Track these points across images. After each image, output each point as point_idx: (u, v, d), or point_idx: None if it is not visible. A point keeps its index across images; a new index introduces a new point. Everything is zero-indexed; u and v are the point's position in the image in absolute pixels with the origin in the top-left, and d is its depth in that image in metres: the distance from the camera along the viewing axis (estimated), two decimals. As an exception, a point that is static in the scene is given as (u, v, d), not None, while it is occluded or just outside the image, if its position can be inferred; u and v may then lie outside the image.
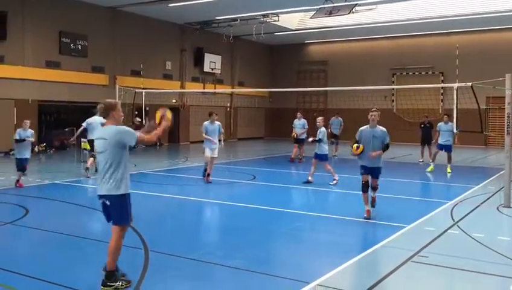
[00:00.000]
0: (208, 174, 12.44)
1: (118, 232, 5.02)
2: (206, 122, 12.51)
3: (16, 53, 19.54)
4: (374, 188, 8.52)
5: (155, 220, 8.56)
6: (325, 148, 12.28)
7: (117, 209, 5.00)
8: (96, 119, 14.16)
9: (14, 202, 9.69)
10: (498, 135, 26.01)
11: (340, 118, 20.94)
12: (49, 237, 7.10)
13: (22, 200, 9.91)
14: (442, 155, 15.31)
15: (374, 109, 8.32)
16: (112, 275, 4.90)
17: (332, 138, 20.54)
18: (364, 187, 8.37)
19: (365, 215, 8.23)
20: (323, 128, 12.32)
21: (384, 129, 8.27)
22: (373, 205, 8.47)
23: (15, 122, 19.67)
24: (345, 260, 5.88)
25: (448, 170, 14.87)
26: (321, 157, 12.28)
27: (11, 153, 19.29)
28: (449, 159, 15.04)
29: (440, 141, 15.13)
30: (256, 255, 6.34)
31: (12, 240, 6.97)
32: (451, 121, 14.49)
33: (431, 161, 16.34)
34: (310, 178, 12.32)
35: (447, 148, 14.98)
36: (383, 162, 8.43)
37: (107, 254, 4.99)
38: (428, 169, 15.44)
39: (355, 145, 8.28)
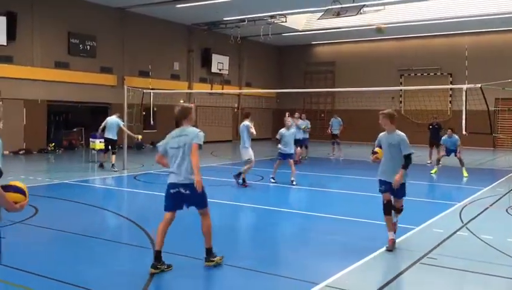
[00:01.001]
0: (244, 179, 12.01)
1: (206, 213, 5.90)
2: (247, 123, 12.13)
3: (25, 53, 19.69)
4: (398, 210, 6.90)
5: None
6: (282, 148, 12.54)
7: (199, 194, 5.70)
8: (113, 119, 15.04)
9: (24, 201, 9.75)
10: (507, 137, 25.88)
11: (339, 118, 20.92)
12: (58, 236, 7.15)
13: (32, 199, 9.95)
14: (448, 157, 15.28)
15: (382, 112, 6.76)
16: (211, 251, 5.81)
17: (333, 138, 20.53)
18: (387, 208, 6.66)
19: (387, 245, 6.46)
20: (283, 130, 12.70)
21: (402, 135, 6.59)
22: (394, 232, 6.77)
23: (24, 123, 19.85)
24: (354, 261, 5.88)
25: (465, 173, 14.47)
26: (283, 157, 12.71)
27: (21, 152, 19.46)
28: (461, 162, 14.79)
29: (447, 146, 15.15)
30: (264, 256, 6.35)
31: (22, 239, 7.02)
32: (455, 133, 14.62)
33: (430, 162, 16.71)
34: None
35: (455, 153, 14.88)
36: (407, 176, 6.69)
37: (203, 235, 5.84)
38: (432, 171, 15.34)
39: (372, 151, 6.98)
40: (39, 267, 5.51)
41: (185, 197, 5.73)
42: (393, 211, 6.76)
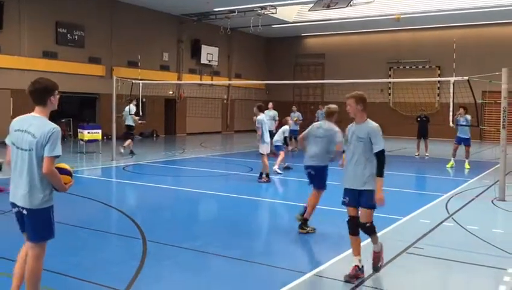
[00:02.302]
0: (268, 174, 11.55)
1: (318, 193, 7.10)
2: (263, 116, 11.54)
3: (12, 43, 19.46)
4: (367, 230, 5.17)
5: (153, 211, 8.61)
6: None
7: (321, 176, 7.05)
8: (129, 107, 16.43)
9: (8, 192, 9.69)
10: (494, 129, 26.18)
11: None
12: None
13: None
14: (438, 148, 15.42)
15: (348, 95, 5.20)
16: (306, 221, 6.86)
17: None
18: (352, 226, 5.19)
19: (348, 274, 5.01)
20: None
21: (374, 125, 5.07)
22: (374, 268, 5.25)
23: (11, 113, 19.64)
24: (341, 251, 5.95)
25: (467, 165, 14.29)
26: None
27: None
28: (467, 153, 14.51)
29: (459, 134, 14.44)
30: (254, 246, 6.42)
31: (13, 229, 7.00)
32: (468, 114, 14.01)
33: (417, 154, 16.72)
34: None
35: (466, 142, 14.47)
36: (374, 179, 4.98)
37: (308, 206, 6.94)
38: (448, 165, 14.68)
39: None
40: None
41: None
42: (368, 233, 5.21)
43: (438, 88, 26.89)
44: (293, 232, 7.11)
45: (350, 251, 6.01)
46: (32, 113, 3.97)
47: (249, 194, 9.95)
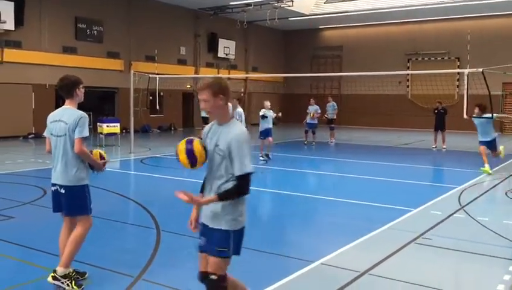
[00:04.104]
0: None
1: None
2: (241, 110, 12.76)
3: (33, 38, 19.90)
4: (209, 282, 3.45)
5: (168, 202, 8.81)
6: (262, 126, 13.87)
7: None
8: None
9: (33, 183, 10.03)
10: (514, 121, 25.78)
11: (333, 102, 20.56)
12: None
13: (41, 181, 10.24)
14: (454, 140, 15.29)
15: (200, 85, 3.60)
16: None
17: (328, 123, 20.23)
18: (201, 279, 3.58)
19: None
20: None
21: (237, 132, 3.36)
22: None
23: (33, 107, 20.14)
24: (349, 241, 6.06)
25: (501, 150, 12.23)
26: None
27: (30, 136, 19.78)
28: (495, 154, 12.20)
29: (482, 137, 11.99)
30: (263, 236, 6.55)
31: (32, 219, 7.28)
32: (488, 112, 11.59)
33: (435, 146, 16.46)
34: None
35: (490, 145, 11.99)
36: (232, 211, 3.48)
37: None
38: (485, 170, 11.78)
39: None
40: (48, 245, 5.74)
41: None
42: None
43: (457, 80, 26.59)
44: (300, 222, 7.23)
45: (357, 241, 6.15)
46: (63, 106, 4.69)
47: (261, 186, 10.09)
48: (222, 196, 3.36)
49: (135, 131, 16.06)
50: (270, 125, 14.07)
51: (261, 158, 13.54)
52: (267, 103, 14.26)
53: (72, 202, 4.53)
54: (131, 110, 15.75)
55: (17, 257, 5.46)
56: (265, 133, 13.92)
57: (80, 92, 4.72)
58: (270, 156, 13.90)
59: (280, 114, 14.29)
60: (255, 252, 5.77)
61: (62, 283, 4.40)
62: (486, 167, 11.69)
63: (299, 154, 16.26)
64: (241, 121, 11.58)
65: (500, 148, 12.18)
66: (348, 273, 4.97)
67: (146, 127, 23.51)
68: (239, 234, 3.48)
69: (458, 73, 25.61)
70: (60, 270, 4.45)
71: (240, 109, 11.64)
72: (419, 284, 4.75)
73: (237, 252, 3.49)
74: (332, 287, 4.60)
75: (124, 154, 14.93)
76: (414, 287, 4.71)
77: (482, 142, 11.94)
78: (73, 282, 4.44)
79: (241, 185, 3.38)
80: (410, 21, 28.84)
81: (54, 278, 4.44)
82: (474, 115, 11.70)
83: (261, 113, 14.04)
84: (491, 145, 11.92)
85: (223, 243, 3.39)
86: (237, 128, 3.38)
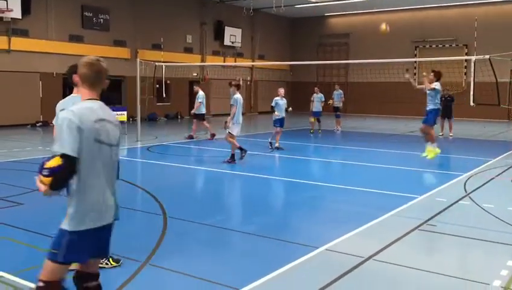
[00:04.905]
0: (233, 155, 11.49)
1: None
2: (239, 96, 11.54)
3: (40, 27, 19.95)
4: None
5: (175, 189, 8.91)
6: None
7: None
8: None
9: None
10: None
11: (340, 90, 20.46)
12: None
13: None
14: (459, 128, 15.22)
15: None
16: None
17: (334, 111, 20.15)
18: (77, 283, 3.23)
19: None
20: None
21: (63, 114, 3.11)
22: None
23: (41, 95, 20.25)
24: (354, 227, 6.11)
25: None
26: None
27: (38, 125, 19.93)
28: None
29: None
30: (270, 222, 6.62)
31: (42, 206, 7.38)
32: None
33: (442, 134, 16.15)
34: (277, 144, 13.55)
35: None
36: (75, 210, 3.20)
37: None
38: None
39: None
40: (56, 230, 5.83)
41: None
42: None
43: (465, 67, 26.38)
44: (306, 209, 7.28)
45: (362, 228, 6.20)
46: (71, 94, 4.88)
47: (267, 173, 10.15)
48: (53, 185, 3.00)
49: (142, 119, 16.13)
50: (283, 114, 13.71)
51: (271, 146, 13.41)
52: (281, 90, 13.97)
53: None
54: (137, 98, 15.81)
55: (27, 242, 5.57)
56: (279, 122, 13.62)
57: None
58: (278, 146, 13.62)
59: (290, 109, 13.97)
60: (260, 238, 5.84)
61: (101, 262, 4.64)
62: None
63: (306, 142, 16.29)
64: (236, 108, 11.07)
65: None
66: (352, 259, 5.03)
67: (153, 115, 23.60)
68: (76, 237, 3.00)
69: (466, 60, 25.41)
70: None
71: (236, 95, 11.27)
72: (424, 270, 4.80)
73: (76, 259, 3.07)
74: (337, 272, 4.66)
75: (131, 143, 15.02)
76: (418, 273, 4.76)
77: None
78: (110, 259, 4.78)
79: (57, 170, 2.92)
80: (418, 8, 28.59)
81: None
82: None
83: (272, 104, 13.81)
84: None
85: (55, 243, 3.07)
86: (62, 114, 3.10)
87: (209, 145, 15.28)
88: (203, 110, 16.47)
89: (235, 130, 11.18)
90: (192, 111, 16.70)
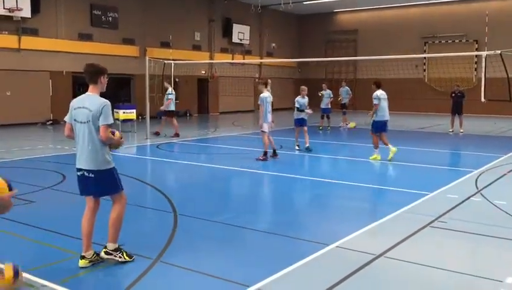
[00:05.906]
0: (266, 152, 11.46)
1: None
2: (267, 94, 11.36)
3: (49, 26, 20.07)
4: None
5: (185, 187, 8.93)
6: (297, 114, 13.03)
7: None
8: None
9: (52, 169, 10.22)
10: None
11: (347, 87, 20.39)
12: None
13: (60, 167, 10.44)
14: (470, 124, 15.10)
15: None
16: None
17: (342, 108, 20.04)
18: None
19: None
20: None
21: None
22: None
23: (51, 94, 20.38)
24: (365, 224, 6.09)
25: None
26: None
27: (48, 123, 20.06)
28: None
29: None
30: (280, 220, 6.62)
31: (52, 203, 7.44)
32: None
33: (452, 130, 15.84)
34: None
35: None
36: None
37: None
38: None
39: None
40: (68, 228, 5.88)
41: None
42: None
43: (475, 63, 26.16)
44: (316, 206, 7.26)
45: (372, 225, 6.18)
46: (87, 93, 4.84)
47: (276, 171, 10.14)
48: None
49: (151, 117, 16.18)
50: (302, 114, 13.11)
51: (296, 148, 12.99)
52: (303, 88, 13.43)
53: (104, 184, 4.80)
54: (147, 96, 15.87)
55: (39, 240, 5.61)
56: (299, 122, 13.14)
57: (104, 81, 4.90)
58: (302, 146, 13.05)
59: (311, 111, 13.32)
60: (271, 235, 5.84)
61: (115, 256, 4.83)
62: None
63: (315, 140, 16.23)
64: (263, 106, 11.03)
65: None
66: (363, 256, 5.01)
67: (162, 113, 23.63)
68: None
69: (476, 56, 25.18)
70: (111, 245, 4.86)
71: (262, 94, 11.13)
72: (435, 267, 4.77)
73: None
74: (347, 269, 4.64)
75: (140, 140, 15.08)
76: (429, 270, 4.73)
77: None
78: (124, 254, 4.86)
79: None
80: (427, 3, 28.38)
81: (107, 253, 4.86)
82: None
83: (296, 105, 13.14)
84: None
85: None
86: None
87: (218, 143, 15.30)
88: (173, 107, 16.17)
89: (265, 127, 11.25)
90: (162, 108, 16.27)
